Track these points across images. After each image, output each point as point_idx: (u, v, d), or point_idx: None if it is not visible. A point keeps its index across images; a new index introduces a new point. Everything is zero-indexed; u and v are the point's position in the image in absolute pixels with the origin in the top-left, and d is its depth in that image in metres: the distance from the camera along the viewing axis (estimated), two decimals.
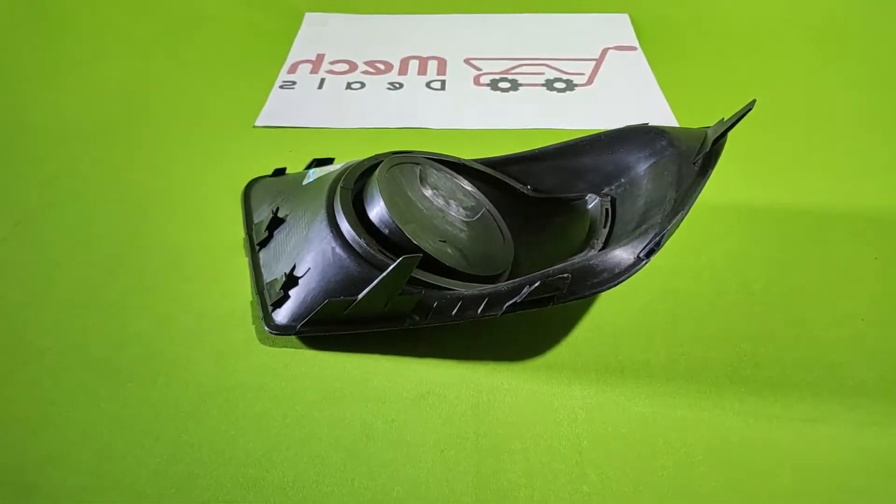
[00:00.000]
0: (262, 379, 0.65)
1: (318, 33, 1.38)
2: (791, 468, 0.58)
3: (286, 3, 1.45)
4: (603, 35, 1.37)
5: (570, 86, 1.20)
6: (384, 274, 0.62)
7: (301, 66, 1.26)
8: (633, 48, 1.32)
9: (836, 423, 0.62)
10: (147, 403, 0.63)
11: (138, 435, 0.60)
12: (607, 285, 0.60)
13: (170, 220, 0.86)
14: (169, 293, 0.75)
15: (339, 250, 0.66)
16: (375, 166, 0.73)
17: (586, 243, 0.73)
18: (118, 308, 0.73)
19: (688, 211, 0.61)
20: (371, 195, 0.69)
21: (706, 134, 0.68)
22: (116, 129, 1.06)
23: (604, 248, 0.70)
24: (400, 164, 0.74)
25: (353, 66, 1.26)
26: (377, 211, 0.67)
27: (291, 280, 0.68)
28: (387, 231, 0.67)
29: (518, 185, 0.82)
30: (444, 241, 0.69)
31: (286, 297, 0.68)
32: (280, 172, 0.89)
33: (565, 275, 0.60)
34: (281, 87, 1.19)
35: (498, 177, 0.82)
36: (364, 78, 1.23)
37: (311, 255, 0.68)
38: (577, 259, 0.63)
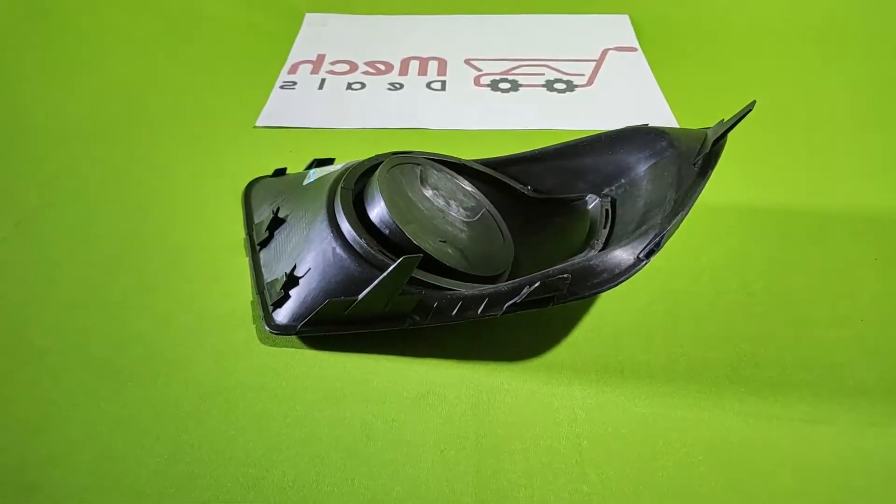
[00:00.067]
0: (263, 379, 0.65)
1: (318, 34, 1.39)
2: (791, 468, 0.58)
3: (287, 3, 1.45)
4: (603, 36, 1.37)
5: (571, 86, 1.20)
6: (385, 274, 0.62)
7: (301, 66, 1.27)
8: (633, 49, 1.32)
9: (836, 423, 0.62)
10: (148, 403, 0.63)
11: (139, 435, 0.60)
12: (607, 286, 0.60)
13: (170, 220, 0.86)
14: (169, 293, 0.75)
15: (339, 250, 0.66)
16: (376, 167, 0.73)
17: (586, 244, 0.73)
18: (119, 308, 0.73)
19: (688, 211, 0.62)
20: (372, 195, 0.69)
21: (706, 135, 0.68)
22: (117, 129, 1.06)
23: (604, 248, 0.70)
24: (400, 165, 0.74)
25: (353, 67, 1.27)
26: (378, 211, 0.67)
27: (292, 280, 0.68)
28: (387, 231, 0.67)
29: (518, 186, 0.82)
30: (445, 242, 0.69)
31: (287, 297, 0.68)
32: (280, 173, 0.89)
33: (565, 275, 0.60)
34: (281, 87, 1.19)
35: (498, 177, 0.82)
36: (364, 78, 1.23)
37: (311, 255, 0.68)
38: (577, 259, 0.63)
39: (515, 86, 1.21)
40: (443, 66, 1.27)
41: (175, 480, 0.57)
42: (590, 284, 0.60)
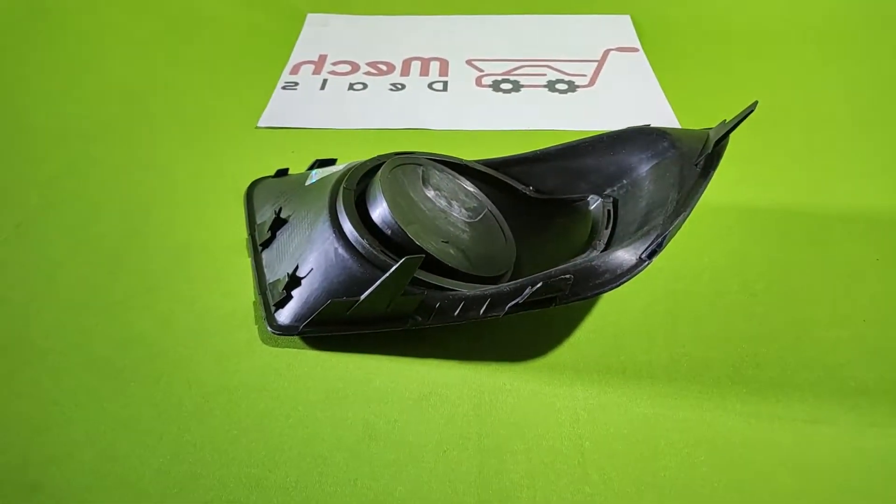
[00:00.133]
0: (265, 379, 0.66)
1: (320, 34, 1.39)
2: (792, 469, 0.58)
3: (288, 4, 1.45)
4: (604, 36, 1.37)
5: (572, 87, 1.20)
6: (387, 275, 0.62)
7: (303, 66, 1.27)
8: (634, 49, 1.32)
9: (837, 423, 0.62)
10: (150, 403, 0.63)
11: (141, 435, 0.60)
12: (609, 286, 0.60)
13: (172, 220, 0.86)
14: (171, 293, 0.75)
15: (341, 251, 0.66)
16: (378, 167, 0.73)
17: (588, 244, 0.73)
18: (120, 308, 0.73)
19: (690, 212, 0.62)
20: (374, 196, 0.69)
21: (708, 135, 0.68)
22: (118, 129, 1.06)
23: (606, 249, 0.70)
24: (402, 165, 0.75)
25: (355, 67, 1.27)
26: (380, 212, 0.67)
27: (294, 280, 0.68)
28: (389, 232, 0.67)
29: (520, 186, 0.82)
30: (447, 242, 0.69)
31: (289, 298, 0.68)
32: (282, 173, 0.89)
33: (567, 276, 0.60)
34: (283, 87, 1.19)
35: (500, 178, 0.82)
36: (366, 79, 1.23)
37: (313, 255, 0.68)
38: (579, 260, 0.64)
39: (517, 86, 1.21)
40: (444, 66, 1.28)
41: (177, 480, 0.57)
42: (592, 285, 0.60)
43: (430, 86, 1.21)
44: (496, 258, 0.73)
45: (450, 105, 1.15)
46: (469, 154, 0.84)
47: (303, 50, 1.32)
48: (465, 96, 1.18)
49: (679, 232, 0.61)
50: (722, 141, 0.66)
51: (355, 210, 0.68)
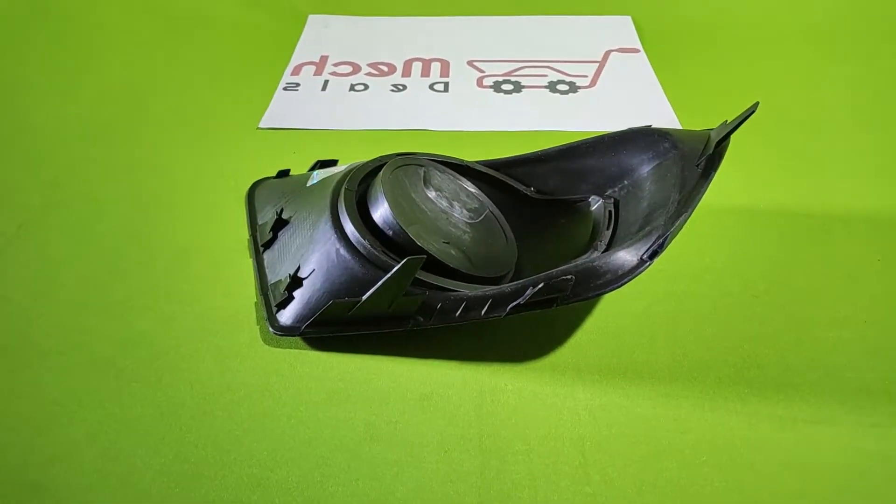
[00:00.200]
0: (267, 379, 0.66)
1: (321, 35, 1.39)
2: (794, 469, 0.58)
3: (289, 5, 1.45)
4: (605, 37, 1.37)
5: (573, 88, 1.20)
6: (388, 275, 0.62)
7: (304, 67, 1.27)
8: (635, 50, 1.32)
9: (838, 423, 0.62)
10: (151, 403, 0.63)
11: (142, 435, 0.61)
12: (611, 287, 0.60)
13: (174, 221, 0.86)
14: (173, 294, 0.75)
15: (343, 252, 0.66)
16: (379, 168, 0.74)
17: (589, 245, 0.73)
18: (122, 309, 0.73)
19: (691, 213, 0.62)
20: (375, 197, 0.69)
21: (709, 136, 0.68)
22: (120, 130, 1.06)
23: (607, 249, 0.70)
24: (404, 166, 0.75)
25: (356, 68, 1.27)
26: (381, 212, 0.68)
27: (296, 281, 0.68)
28: (391, 233, 0.67)
29: (521, 187, 0.82)
30: (448, 243, 0.69)
31: (290, 299, 0.68)
32: (284, 174, 0.89)
33: (569, 276, 0.60)
34: (284, 88, 1.20)
35: (501, 178, 0.82)
36: (367, 80, 1.23)
37: (315, 256, 0.68)
38: (580, 261, 0.63)
39: (518, 87, 1.21)
40: (446, 67, 1.28)
41: (179, 480, 0.57)
42: (593, 286, 0.60)
43: (431, 87, 1.21)
44: (497, 259, 0.73)
45: (451, 106, 1.15)
46: (470, 155, 0.84)
47: (304, 51, 1.33)
48: (467, 97, 1.18)
49: (680, 233, 0.61)
50: (723, 142, 0.66)
51: (357, 211, 0.68)
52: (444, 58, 1.31)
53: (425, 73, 1.26)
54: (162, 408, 0.63)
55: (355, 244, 0.66)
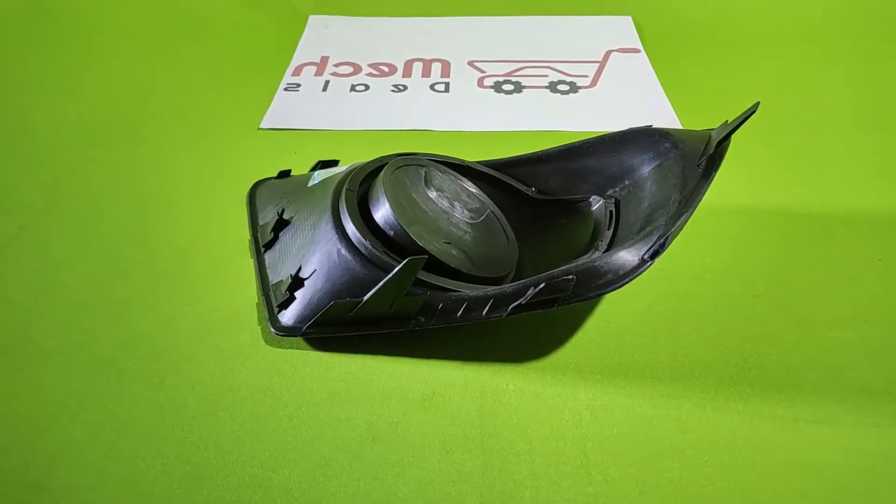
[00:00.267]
0: (268, 380, 0.66)
1: (322, 36, 1.39)
2: (795, 469, 0.58)
3: (290, 5, 1.45)
4: (606, 37, 1.37)
5: (574, 88, 1.20)
6: (389, 275, 0.62)
7: (305, 68, 1.27)
8: (636, 50, 1.32)
9: (839, 423, 0.62)
10: (153, 404, 0.63)
11: (144, 435, 0.61)
12: (612, 287, 0.60)
13: (174, 221, 0.86)
14: (174, 294, 0.75)
15: (344, 252, 0.66)
16: (380, 168, 0.74)
17: (590, 245, 0.73)
18: (124, 309, 0.73)
19: (692, 213, 0.62)
20: (376, 197, 0.69)
21: (710, 136, 0.68)
22: (121, 131, 1.06)
23: (608, 249, 0.70)
24: (405, 167, 0.75)
25: (357, 69, 1.27)
26: (382, 213, 0.68)
27: (297, 281, 0.68)
28: (392, 233, 0.67)
29: (522, 187, 0.82)
30: (449, 243, 0.69)
31: (292, 299, 0.68)
32: (285, 174, 0.89)
33: (570, 276, 0.60)
34: (285, 89, 1.20)
35: (502, 179, 0.82)
36: (368, 80, 1.23)
37: (316, 256, 0.68)
38: (581, 261, 0.63)
39: (519, 87, 1.21)
40: (446, 67, 1.28)
41: (181, 481, 0.57)
42: (594, 286, 0.60)
43: (431, 87, 1.21)
44: (498, 259, 0.73)
45: (452, 106, 1.15)
46: (471, 155, 0.84)
47: (305, 51, 1.33)
48: (467, 97, 1.18)
49: (681, 233, 0.61)
50: (724, 142, 0.66)
51: (358, 211, 0.68)
52: (444, 58, 1.31)
53: (426, 73, 1.26)
54: (163, 408, 0.63)
55: (356, 244, 0.66)
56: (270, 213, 0.79)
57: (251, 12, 1.42)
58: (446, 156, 0.82)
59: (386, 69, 1.27)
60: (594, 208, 0.78)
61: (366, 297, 0.63)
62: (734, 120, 0.66)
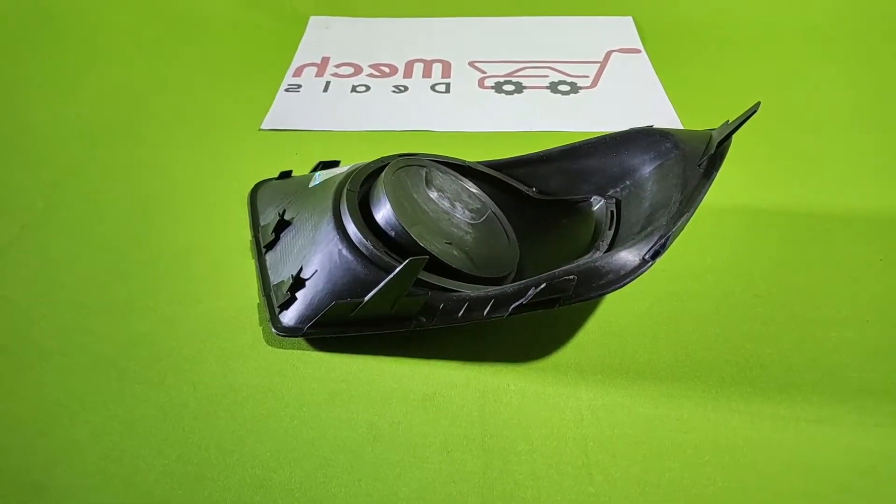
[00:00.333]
0: (269, 380, 0.66)
1: (322, 37, 1.39)
2: (796, 468, 0.58)
3: (291, 6, 1.45)
4: (607, 38, 1.37)
5: (575, 88, 1.21)
6: (391, 276, 0.62)
7: (306, 69, 1.27)
8: (636, 51, 1.32)
9: (840, 423, 0.62)
10: (154, 404, 0.63)
11: (145, 436, 0.61)
12: (613, 287, 0.60)
13: (176, 222, 0.86)
14: (175, 295, 0.75)
15: (345, 252, 0.66)
16: (381, 169, 0.74)
17: (591, 245, 0.73)
18: (125, 310, 0.73)
19: (693, 213, 0.62)
20: (377, 198, 0.69)
21: (711, 136, 0.68)
22: (122, 132, 1.06)
23: (609, 249, 0.70)
24: (406, 167, 0.75)
25: (357, 70, 1.27)
26: (383, 213, 0.68)
27: (298, 282, 0.68)
28: (393, 233, 0.67)
29: (523, 188, 0.82)
30: (450, 244, 0.69)
31: (293, 299, 0.68)
32: (286, 175, 0.90)
33: (571, 276, 0.60)
34: (286, 90, 1.20)
35: (503, 179, 0.82)
36: (369, 81, 1.23)
37: (317, 257, 0.68)
38: (582, 261, 0.63)
39: (520, 88, 1.21)
40: (447, 68, 1.28)
41: (182, 482, 0.57)
42: (595, 286, 0.60)
43: (432, 87, 1.21)
44: (499, 259, 0.73)
45: (452, 107, 1.16)
46: (472, 155, 0.84)
47: (305, 52, 1.33)
48: (468, 98, 1.18)
49: (682, 233, 0.61)
50: (725, 142, 0.66)
51: (359, 212, 0.68)
52: (445, 59, 1.31)
53: (427, 74, 1.26)
54: (165, 409, 0.63)
55: (357, 245, 0.66)
56: (271, 213, 0.79)
57: (252, 13, 1.42)
58: (447, 156, 0.82)
59: (387, 70, 1.27)
60: (595, 208, 0.78)
61: (367, 298, 0.64)
62: (735, 120, 0.66)
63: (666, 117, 1.11)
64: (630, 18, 1.43)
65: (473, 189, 0.80)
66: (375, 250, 0.65)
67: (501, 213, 0.79)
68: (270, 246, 0.76)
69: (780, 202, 0.90)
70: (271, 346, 0.69)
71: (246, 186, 0.89)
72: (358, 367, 0.67)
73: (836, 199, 0.91)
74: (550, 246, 0.78)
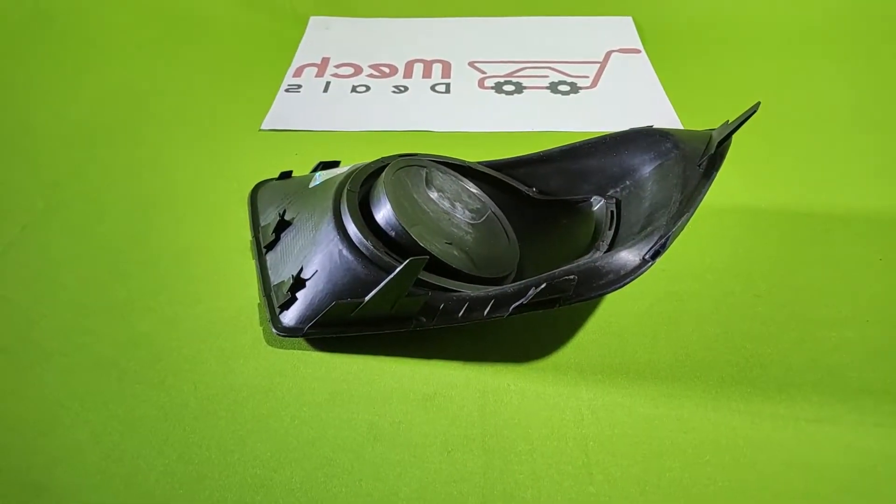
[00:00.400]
0: (270, 380, 0.66)
1: (322, 37, 1.39)
2: (797, 468, 0.58)
3: (291, 7, 1.45)
4: (607, 38, 1.38)
5: (575, 88, 1.21)
6: (391, 276, 0.62)
7: (306, 69, 1.27)
8: (636, 51, 1.33)
9: (841, 423, 0.62)
10: (155, 405, 0.63)
11: (146, 436, 0.61)
12: (613, 287, 0.60)
13: (176, 223, 0.86)
14: (176, 295, 0.75)
15: (345, 252, 0.66)
16: (381, 169, 0.74)
17: (592, 245, 0.73)
18: (125, 310, 0.73)
19: (693, 213, 0.62)
20: (377, 198, 0.69)
21: (711, 136, 0.68)
22: (122, 132, 1.06)
23: (609, 250, 0.70)
24: (406, 167, 0.75)
25: (358, 70, 1.27)
26: (384, 213, 0.68)
27: (298, 282, 0.68)
28: (393, 233, 0.67)
29: (523, 188, 0.83)
30: (450, 244, 0.69)
31: (293, 300, 0.68)
32: (286, 175, 0.89)
33: (571, 276, 0.60)
34: (286, 90, 1.20)
35: (503, 179, 0.82)
36: (369, 81, 1.23)
37: (318, 257, 0.68)
38: (582, 261, 0.63)
39: (520, 88, 1.21)
40: (447, 68, 1.28)
41: (183, 482, 0.57)
42: (595, 286, 0.60)
43: (432, 88, 1.21)
44: (500, 259, 0.73)
45: (452, 107, 1.16)
46: (472, 156, 0.84)
47: (306, 53, 1.33)
48: (468, 98, 1.18)
49: (682, 232, 0.61)
50: (725, 142, 0.66)
51: (359, 212, 0.69)
52: (445, 59, 1.31)
53: (427, 74, 1.26)
54: (165, 409, 0.63)
55: (358, 245, 0.66)
56: (272, 214, 0.79)
57: (252, 13, 1.42)
58: (447, 156, 0.82)
59: (387, 70, 1.27)
60: (595, 208, 0.78)
61: (367, 298, 0.64)
62: (735, 120, 0.66)
63: (666, 117, 1.11)
64: (630, 18, 1.43)
65: (473, 189, 0.80)
66: (376, 250, 0.65)
67: (501, 214, 0.79)
68: (271, 246, 0.76)
69: (780, 202, 0.90)
70: (271, 346, 0.69)
71: (246, 186, 0.89)
72: (358, 367, 0.67)
73: (836, 199, 0.91)
74: (550, 246, 0.78)
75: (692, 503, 0.56)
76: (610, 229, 0.73)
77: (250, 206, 0.85)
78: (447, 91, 1.20)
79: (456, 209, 0.75)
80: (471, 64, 1.29)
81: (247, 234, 0.82)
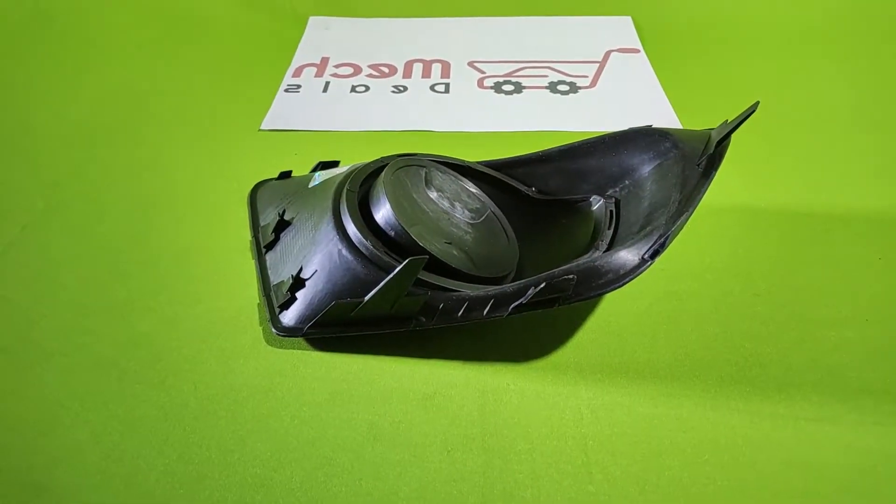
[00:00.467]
0: (270, 380, 0.66)
1: (322, 37, 1.39)
2: (796, 467, 0.58)
3: (290, 7, 1.45)
4: (606, 37, 1.38)
5: (574, 88, 1.21)
6: (391, 276, 0.62)
7: (306, 69, 1.27)
8: (636, 50, 1.33)
9: (840, 422, 0.62)
10: (155, 405, 0.63)
11: (146, 436, 0.61)
12: (612, 286, 0.60)
13: (176, 223, 0.86)
14: (176, 295, 0.75)
15: (345, 252, 0.66)
16: (381, 169, 0.74)
17: (591, 245, 0.73)
18: (125, 310, 0.73)
19: (692, 212, 0.62)
20: (377, 198, 0.69)
21: (710, 136, 0.68)
22: (122, 132, 1.06)
23: (608, 249, 0.71)
24: (405, 167, 0.75)
25: (357, 70, 1.27)
26: (383, 213, 0.68)
27: (298, 282, 0.68)
28: (393, 233, 0.67)
29: (522, 187, 0.83)
30: (450, 243, 0.69)
31: (293, 300, 0.68)
32: (286, 175, 0.90)
33: (570, 276, 0.60)
34: (286, 90, 1.20)
35: (502, 179, 0.82)
36: (368, 81, 1.23)
37: (317, 257, 0.68)
38: (581, 260, 0.64)
39: (519, 88, 1.21)
40: (446, 68, 1.28)
41: (183, 481, 0.57)
42: (595, 285, 0.60)
43: (432, 88, 1.21)
44: (499, 259, 0.73)
45: (452, 107, 1.16)
46: (471, 155, 0.84)
47: (305, 53, 1.33)
48: (467, 98, 1.19)
49: (681, 232, 0.62)
50: (724, 141, 0.66)
51: (359, 212, 0.69)
52: (444, 59, 1.31)
53: (426, 74, 1.26)
54: (165, 409, 0.63)
55: (357, 245, 0.66)
56: (271, 213, 0.79)
57: (251, 13, 1.42)
58: (447, 156, 0.82)
59: (386, 70, 1.27)
60: (594, 208, 0.78)
61: (367, 298, 0.64)
62: (734, 119, 0.66)
63: (665, 117, 1.11)
64: (629, 18, 1.43)
65: (473, 189, 0.80)
66: (375, 250, 0.65)
67: (501, 213, 0.79)
68: (270, 246, 0.76)
69: (779, 202, 0.90)
70: (271, 346, 0.69)
71: (246, 186, 0.89)
72: (358, 366, 0.67)
73: (836, 199, 0.91)
74: (550, 246, 0.78)
75: (691, 502, 0.56)
76: (609, 229, 0.73)
77: (250, 206, 0.85)
78: (446, 91, 1.20)
79: (455, 209, 0.75)
80: (470, 64, 1.29)
81: (246, 234, 0.82)
